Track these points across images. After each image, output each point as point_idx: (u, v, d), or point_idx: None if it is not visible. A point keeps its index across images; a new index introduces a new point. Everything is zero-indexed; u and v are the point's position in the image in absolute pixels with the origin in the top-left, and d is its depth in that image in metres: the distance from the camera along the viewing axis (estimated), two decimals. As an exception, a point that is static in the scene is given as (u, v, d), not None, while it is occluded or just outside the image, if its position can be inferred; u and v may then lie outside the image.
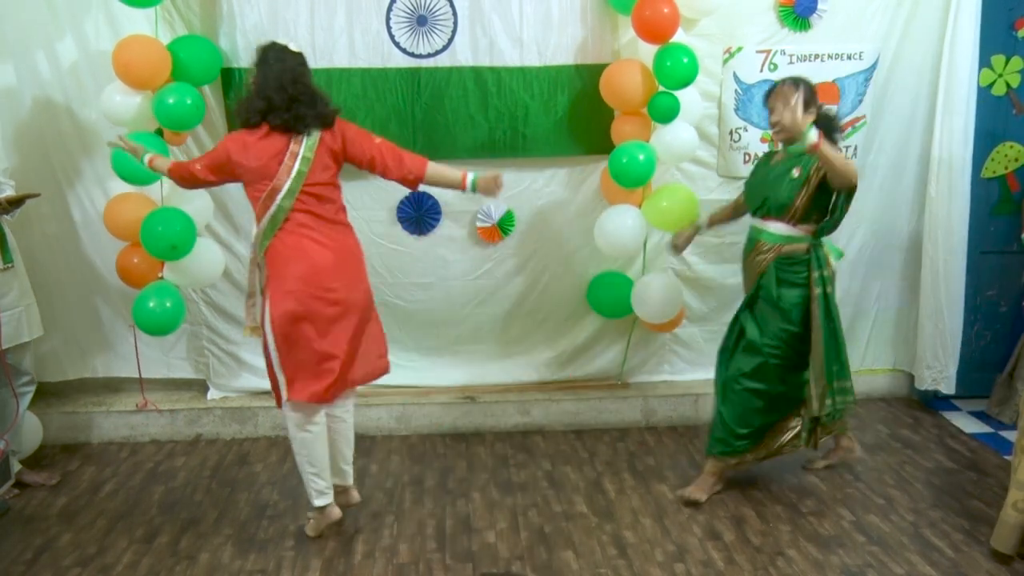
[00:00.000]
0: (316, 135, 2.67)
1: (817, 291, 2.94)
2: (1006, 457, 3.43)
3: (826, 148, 2.70)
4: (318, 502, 2.85)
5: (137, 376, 3.80)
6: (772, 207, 2.97)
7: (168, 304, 3.33)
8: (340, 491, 2.96)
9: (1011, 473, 2.72)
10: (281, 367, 2.71)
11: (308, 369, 2.70)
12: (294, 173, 2.63)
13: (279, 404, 2.80)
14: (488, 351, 3.92)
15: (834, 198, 2.92)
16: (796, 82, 2.87)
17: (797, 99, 2.79)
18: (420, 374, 3.90)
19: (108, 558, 2.82)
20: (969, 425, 3.83)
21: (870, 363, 4.17)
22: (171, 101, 3.17)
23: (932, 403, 4.01)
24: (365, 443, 3.74)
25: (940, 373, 3.84)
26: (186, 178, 2.78)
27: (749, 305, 3.10)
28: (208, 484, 3.36)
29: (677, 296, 3.62)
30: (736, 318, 3.16)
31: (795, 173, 2.89)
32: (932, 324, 3.83)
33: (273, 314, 2.66)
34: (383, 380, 3.82)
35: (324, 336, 2.69)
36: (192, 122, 3.28)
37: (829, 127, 2.92)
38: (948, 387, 3.84)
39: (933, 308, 3.81)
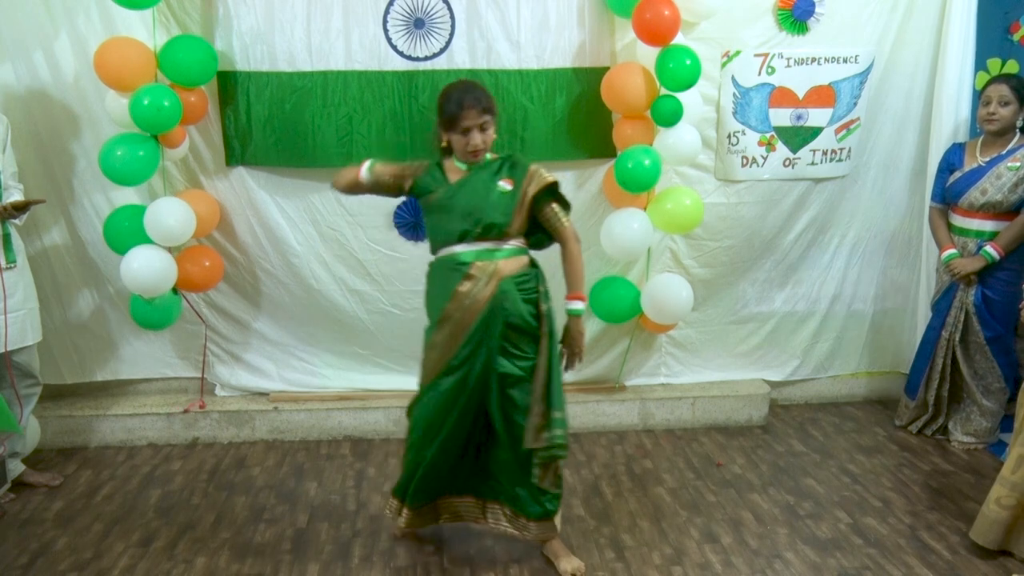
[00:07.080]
0: None
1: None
2: (1003, 460, 3.43)
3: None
4: None
5: (129, 381, 3.87)
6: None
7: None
8: None
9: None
10: None
11: None
12: None
13: None
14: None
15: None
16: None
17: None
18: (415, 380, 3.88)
19: (104, 562, 2.81)
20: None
21: (867, 366, 4.18)
22: (146, 103, 3.13)
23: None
24: (362, 446, 3.74)
25: None
26: None
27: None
28: (205, 488, 3.35)
29: (689, 295, 3.64)
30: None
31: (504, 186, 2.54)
32: (924, 324, 3.85)
33: None
34: (379, 384, 3.86)
35: None
36: (167, 124, 3.21)
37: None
38: None
39: (926, 309, 3.85)
